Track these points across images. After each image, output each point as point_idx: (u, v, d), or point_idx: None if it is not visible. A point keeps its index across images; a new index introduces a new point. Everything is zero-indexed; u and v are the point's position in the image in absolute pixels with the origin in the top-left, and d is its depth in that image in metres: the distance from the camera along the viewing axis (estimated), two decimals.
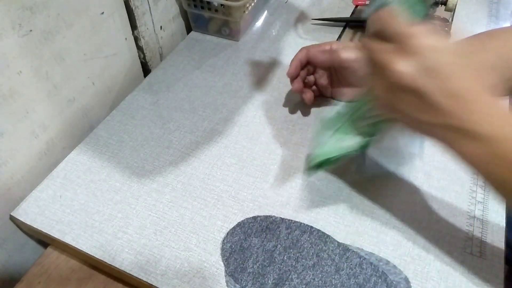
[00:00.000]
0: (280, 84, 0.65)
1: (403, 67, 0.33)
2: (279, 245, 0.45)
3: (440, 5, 0.54)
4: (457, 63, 0.33)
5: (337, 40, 0.73)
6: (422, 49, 0.33)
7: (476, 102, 0.32)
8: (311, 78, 0.58)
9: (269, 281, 0.42)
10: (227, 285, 0.42)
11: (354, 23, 0.76)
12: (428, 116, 0.34)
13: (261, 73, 0.67)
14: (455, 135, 0.33)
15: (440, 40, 0.33)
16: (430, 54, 0.32)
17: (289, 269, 0.43)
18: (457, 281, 0.42)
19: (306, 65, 0.57)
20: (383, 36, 0.35)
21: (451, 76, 0.32)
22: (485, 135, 0.32)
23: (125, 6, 0.61)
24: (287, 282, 0.42)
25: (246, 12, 0.71)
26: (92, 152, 0.55)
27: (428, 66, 0.32)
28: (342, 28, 0.76)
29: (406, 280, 0.42)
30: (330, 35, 0.74)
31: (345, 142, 0.45)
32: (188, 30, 0.78)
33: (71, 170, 0.53)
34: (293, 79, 0.56)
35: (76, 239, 0.46)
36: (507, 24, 0.77)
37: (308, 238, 0.46)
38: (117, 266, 0.44)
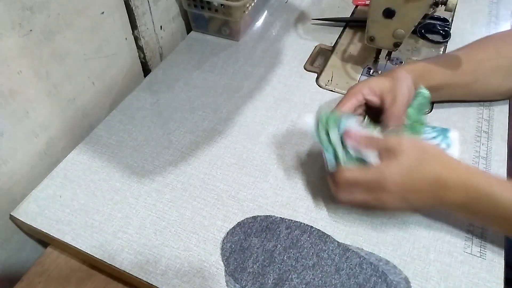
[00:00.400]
0: (280, 84, 0.65)
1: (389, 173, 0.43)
2: (279, 245, 0.45)
3: (440, 5, 0.54)
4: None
5: (337, 39, 0.73)
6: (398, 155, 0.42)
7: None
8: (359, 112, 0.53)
9: (269, 281, 0.42)
10: (227, 285, 0.42)
11: (354, 23, 0.76)
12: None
13: (261, 73, 0.67)
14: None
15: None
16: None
17: (289, 269, 0.43)
18: (457, 281, 0.42)
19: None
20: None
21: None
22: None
23: (125, 6, 0.61)
24: (287, 282, 0.42)
25: (246, 12, 0.71)
26: (92, 152, 0.55)
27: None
28: (342, 28, 0.76)
29: (406, 280, 0.42)
30: (330, 35, 0.74)
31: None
32: (188, 30, 0.78)
33: (71, 170, 0.53)
34: None
35: (76, 239, 0.46)
36: (507, 24, 0.76)
37: (308, 238, 0.46)
38: (117, 266, 0.44)
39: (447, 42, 0.72)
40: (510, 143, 0.57)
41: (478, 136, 0.56)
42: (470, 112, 0.59)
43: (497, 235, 0.46)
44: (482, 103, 0.61)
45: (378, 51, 0.64)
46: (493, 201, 0.40)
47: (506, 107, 0.60)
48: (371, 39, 0.59)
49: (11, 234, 0.51)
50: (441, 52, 0.71)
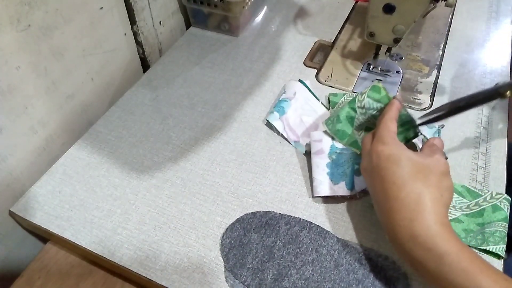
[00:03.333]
0: (280, 80, 0.64)
1: (362, 164, 0.44)
2: (278, 241, 0.45)
3: (440, 1, 0.54)
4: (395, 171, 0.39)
5: (337, 34, 0.73)
6: (373, 153, 0.42)
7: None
8: None
9: (269, 276, 0.42)
10: (227, 281, 0.42)
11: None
12: (375, 206, 0.42)
13: (261, 69, 0.66)
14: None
15: (390, 147, 0.40)
16: (374, 158, 0.41)
17: (288, 265, 0.43)
18: None
19: None
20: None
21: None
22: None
23: (124, 1, 0.61)
24: (286, 278, 0.42)
25: (246, 8, 0.71)
26: (91, 148, 0.55)
27: (371, 167, 0.42)
28: (342, 23, 0.76)
29: (405, 276, 0.42)
30: (330, 30, 0.74)
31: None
32: (188, 25, 0.77)
33: (70, 166, 0.53)
34: None
35: (75, 235, 0.46)
36: (508, 20, 0.76)
37: (307, 234, 0.46)
38: (117, 262, 0.44)
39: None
40: (510, 140, 0.57)
41: (478, 132, 0.56)
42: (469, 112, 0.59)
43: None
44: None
45: (378, 47, 0.64)
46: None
47: (505, 103, 0.60)
48: (371, 35, 0.59)
49: (10, 230, 0.51)
50: (441, 52, 0.71)
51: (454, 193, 0.48)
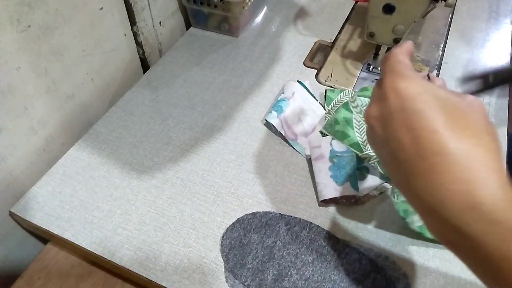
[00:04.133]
0: (280, 80, 0.64)
1: (370, 111, 0.31)
2: (278, 241, 0.45)
3: (440, 1, 0.54)
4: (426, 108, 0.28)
5: (337, 35, 0.73)
6: (389, 91, 0.29)
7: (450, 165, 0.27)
8: None
9: (269, 277, 0.42)
10: (227, 281, 0.42)
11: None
12: (393, 171, 0.30)
13: (261, 69, 0.66)
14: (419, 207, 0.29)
15: (414, 82, 0.29)
16: (393, 98, 0.29)
17: (288, 265, 0.43)
18: (455, 277, 0.42)
19: None
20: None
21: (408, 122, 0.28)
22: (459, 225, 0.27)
23: (124, 2, 0.61)
24: (286, 278, 0.42)
25: (246, 8, 0.71)
26: (91, 148, 0.55)
27: (388, 111, 0.29)
28: (342, 24, 0.76)
29: (405, 276, 0.42)
30: (330, 31, 0.74)
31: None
32: (188, 26, 0.77)
33: (70, 166, 0.53)
34: None
35: (75, 235, 0.46)
36: (508, 20, 0.76)
37: (308, 234, 0.46)
38: (117, 262, 0.44)
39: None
40: (510, 130, 0.57)
41: None
42: None
43: None
44: (481, 99, 0.61)
45: (378, 47, 0.64)
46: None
47: (505, 103, 0.60)
48: (371, 35, 0.59)
49: (10, 230, 0.51)
50: (441, 52, 0.71)
51: None
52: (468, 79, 0.37)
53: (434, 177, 0.27)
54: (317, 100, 0.60)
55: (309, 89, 0.61)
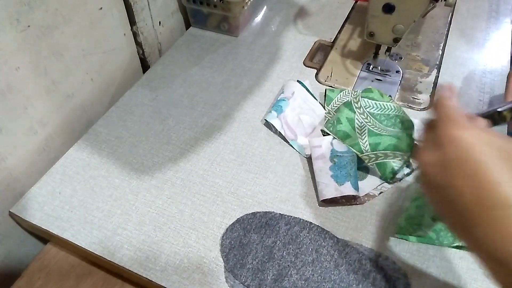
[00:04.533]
0: (280, 79, 0.64)
1: (426, 157, 0.31)
2: (278, 241, 0.45)
3: (440, 1, 0.54)
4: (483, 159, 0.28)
5: (337, 34, 0.73)
6: (446, 140, 0.30)
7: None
8: None
9: (269, 277, 0.42)
10: (227, 281, 0.42)
11: None
12: (450, 216, 0.30)
13: (261, 69, 0.66)
14: (476, 249, 0.29)
15: (473, 131, 0.29)
16: (451, 147, 0.29)
17: (288, 265, 0.43)
18: (456, 277, 0.42)
19: None
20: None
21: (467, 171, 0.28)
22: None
23: (124, 1, 0.60)
24: (286, 278, 0.42)
25: (245, 8, 0.71)
26: (91, 148, 0.55)
27: (446, 159, 0.29)
28: (341, 23, 0.76)
29: (405, 276, 0.42)
30: (330, 30, 0.74)
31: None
32: (187, 25, 0.77)
33: (70, 166, 0.53)
34: None
35: (75, 235, 0.46)
36: (508, 20, 0.76)
37: (307, 234, 0.46)
38: (117, 262, 0.44)
39: None
40: (510, 129, 0.57)
41: None
42: (470, 108, 0.59)
43: None
44: (481, 98, 0.61)
45: (378, 47, 0.64)
46: None
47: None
48: (371, 35, 0.59)
49: (10, 230, 0.51)
50: (441, 52, 0.71)
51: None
52: (476, 116, 0.37)
53: (500, 229, 0.27)
54: (317, 99, 0.60)
55: (309, 88, 0.61)
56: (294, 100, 0.58)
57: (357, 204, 0.48)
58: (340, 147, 0.52)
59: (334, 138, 0.52)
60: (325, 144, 0.52)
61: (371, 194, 0.49)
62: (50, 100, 0.53)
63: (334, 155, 0.51)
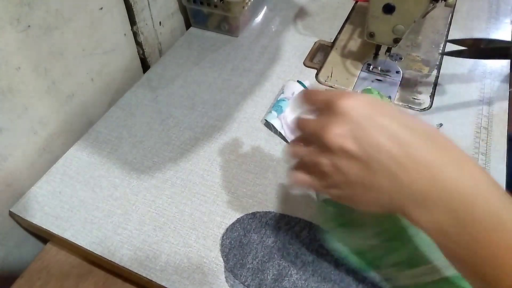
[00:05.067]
0: (280, 80, 0.64)
1: (333, 130, 0.28)
2: (278, 241, 0.45)
3: (440, 1, 0.54)
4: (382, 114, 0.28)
5: (337, 35, 0.73)
6: (348, 110, 0.28)
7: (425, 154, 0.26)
8: None
9: (269, 276, 0.42)
10: (227, 281, 0.42)
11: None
12: (370, 179, 0.28)
13: (261, 69, 0.66)
14: (399, 200, 0.27)
15: (367, 98, 0.29)
16: (355, 113, 0.28)
17: (288, 265, 0.43)
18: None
19: None
20: (311, 113, 0.32)
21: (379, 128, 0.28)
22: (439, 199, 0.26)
23: (124, 2, 0.61)
24: (286, 278, 0.42)
25: (246, 8, 0.71)
26: (92, 148, 0.55)
27: (355, 126, 0.28)
28: (342, 23, 0.76)
29: None
30: (330, 30, 0.74)
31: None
32: (188, 26, 0.77)
33: (70, 166, 0.53)
34: None
35: (75, 235, 0.46)
36: (508, 20, 0.76)
37: (308, 234, 0.46)
38: (117, 262, 0.44)
39: None
40: (510, 130, 0.57)
41: (478, 132, 0.56)
42: (470, 109, 0.59)
43: None
44: (481, 99, 0.61)
45: (378, 47, 0.64)
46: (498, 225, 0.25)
47: (505, 103, 0.60)
48: (371, 35, 0.59)
49: (10, 230, 0.51)
50: (441, 51, 0.71)
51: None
52: (456, 42, 0.36)
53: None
54: None
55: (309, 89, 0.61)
56: (294, 100, 0.59)
57: None
58: None
59: None
60: None
61: None
62: (50, 100, 0.53)
63: None
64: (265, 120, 0.57)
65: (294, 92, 0.59)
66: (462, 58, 0.68)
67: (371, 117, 0.28)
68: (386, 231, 0.37)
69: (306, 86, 0.61)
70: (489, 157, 0.53)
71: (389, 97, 0.58)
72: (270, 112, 0.57)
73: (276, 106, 0.57)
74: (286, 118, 0.56)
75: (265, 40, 0.72)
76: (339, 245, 0.40)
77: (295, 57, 0.69)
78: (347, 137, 0.28)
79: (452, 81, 0.64)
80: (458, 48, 0.43)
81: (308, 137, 0.32)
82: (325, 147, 0.29)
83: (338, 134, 0.28)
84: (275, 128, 0.55)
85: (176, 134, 0.57)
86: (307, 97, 0.32)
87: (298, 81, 0.61)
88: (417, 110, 0.60)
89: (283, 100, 0.58)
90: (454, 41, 0.43)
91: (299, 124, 0.32)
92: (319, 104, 0.31)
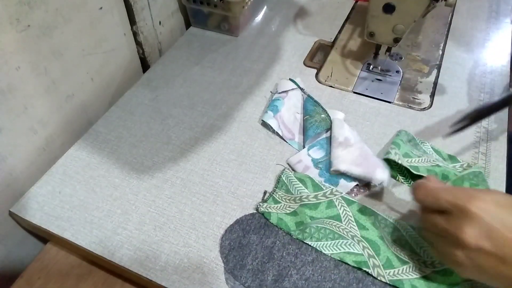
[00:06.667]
0: (280, 79, 0.64)
1: (469, 232, 0.34)
2: (278, 241, 0.45)
3: (440, 1, 0.54)
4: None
5: (337, 34, 0.73)
6: (479, 213, 0.34)
7: None
8: None
9: (269, 277, 0.42)
10: (227, 283, 0.42)
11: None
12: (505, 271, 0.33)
13: (261, 69, 0.66)
14: None
15: (493, 198, 0.34)
16: (487, 216, 0.34)
17: (288, 265, 0.43)
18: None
19: None
20: (437, 208, 0.37)
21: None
22: None
23: (124, 1, 0.60)
24: (286, 278, 0.42)
25: (246, 8, 0.71)
26: (91, 148, 0.55)
27: (488, 227, 0.33)
28: (342, 23, 0.76)
29: None
30: (330, 30, 0.74)
31: None
32: (187, 25, 0.77)
33: (70, 166, 0.53)
34: None
35: (75, 235, 0.46)
36: (508, 20, 0.76)
37: None
38: (117, 262, 0.44)
39: None
40: (510, 129, 0.57)
41: (478, 132, 0.56)
42: (470, 108, 0.59)
43: None
44: (481, 99, 0.61)
45: (378, 47, 0.63)
46: None
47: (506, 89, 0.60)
48: (371, 35, 0.59)
49: (10, 230, 0.51)
50: (441, 52, 0.71)
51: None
52: (457, 122, 0.46)
53: None
54: (310, 96, 0.60)
55: (300, 86, 0.61)
56: (289, 99, 0.59)
57: (364, 193, 0.49)
58: (317, 154, 0.53)
59: (309, 149, 0.53)
60: (303, 157, 0.52)
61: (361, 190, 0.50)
62: (50, 100, 0.53)
63: (315, 162, 0.52)
64: (262, 120, 0.57)
65: (287, 91, 0.59)
66: (462, 58, 0.68)
67: (501, 218, 0.33)
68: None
69: (298, 83, 0.61)
70: (489, 157, 0.53)
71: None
72: (266, 112, 0.57)
73: (272, 105, 0.57)
74: (282, 118, 0.56)
75: (265, 40, 0.72)
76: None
77: (295, 57, 0.69)
78: (482, 237, 0.33)
79: (452, 81, 0.64)
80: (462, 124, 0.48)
81: (440, 230, 0.37)
82: (461, 245, 0.34)
83: (473, 235, 0.34)
84: (272, 128, 0.55)
85: (176, 133, 0.57)
86: (425, 193, 0.38)
87: (290, 79, 0.61)
88: (417, 110, 0.60)
89: (278, 100, 0.58)
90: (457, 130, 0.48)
91: (428, 218, 0.38)
92: (446, 205, 0.36)
